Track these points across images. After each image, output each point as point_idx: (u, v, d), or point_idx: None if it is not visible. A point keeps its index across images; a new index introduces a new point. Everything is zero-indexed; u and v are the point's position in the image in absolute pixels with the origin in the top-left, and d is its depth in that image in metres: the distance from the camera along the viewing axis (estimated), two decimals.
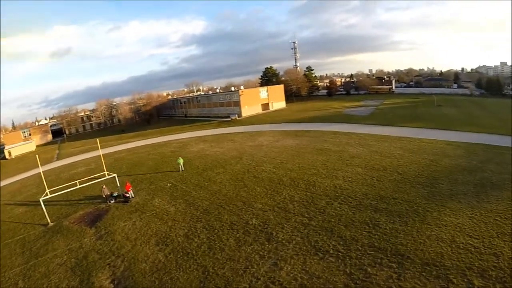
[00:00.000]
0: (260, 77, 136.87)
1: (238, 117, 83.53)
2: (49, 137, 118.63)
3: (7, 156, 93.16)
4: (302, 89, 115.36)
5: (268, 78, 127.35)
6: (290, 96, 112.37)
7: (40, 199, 30.30)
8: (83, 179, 35.32)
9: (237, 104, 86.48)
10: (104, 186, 32.70)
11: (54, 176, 50.87)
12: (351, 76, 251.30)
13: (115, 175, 33.19)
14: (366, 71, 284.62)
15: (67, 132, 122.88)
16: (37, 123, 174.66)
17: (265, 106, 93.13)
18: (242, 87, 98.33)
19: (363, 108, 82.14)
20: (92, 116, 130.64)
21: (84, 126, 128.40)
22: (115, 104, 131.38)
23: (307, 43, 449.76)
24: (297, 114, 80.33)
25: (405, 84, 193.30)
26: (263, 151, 42.69)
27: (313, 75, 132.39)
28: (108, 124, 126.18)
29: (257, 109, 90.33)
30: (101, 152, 36.49)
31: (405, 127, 51.20)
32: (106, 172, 33.21)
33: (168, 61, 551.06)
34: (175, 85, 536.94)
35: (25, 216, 31.81)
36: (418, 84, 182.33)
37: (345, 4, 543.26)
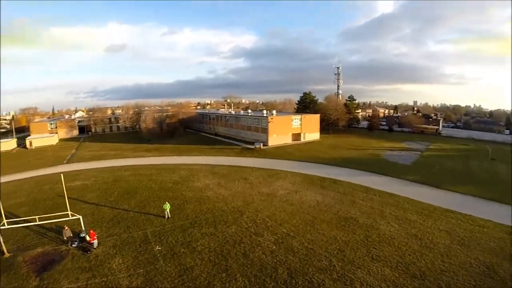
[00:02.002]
0: (297, 102, 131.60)
1: (264, 145, 78.14)
2: (75, 132, 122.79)
3: (27, 146, 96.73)
4: (341, 120, 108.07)
5: (306, 104, 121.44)
6: (327, 125, 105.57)
7: None
8: (45, 215, 32.20)
9: (265, 131, 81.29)
10: (66, 228, 29.33)
11: (49, 185, 48.76)
12: (395, 108, 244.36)
13: (80, 217, 29.45)
14: (411, 103, 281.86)
15: (92, 130, 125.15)
16: (74, 114, 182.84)
17: (296, 136, 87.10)
18: (274, 112, 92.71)
19: (405, 153, 73.31)
20: (119, 118, 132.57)
21: (111, 127, 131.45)
22: (145, 109, 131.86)
23: (354, 67, 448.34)
24: (329, 151, 73.43)
25: (452, 124, 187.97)
26: (273, 207, 36.52)
27: (355, 106, 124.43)
28: (135, 129, 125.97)
29: (287, 139, 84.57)
30: (66, 193, 31.88)
31: (455, 192, 43.05)
32: (70, 213, 29.60)
33: (215, 70, 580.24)
34: (219, 94, 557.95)
35: None
36: (466, 125, 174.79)
37: (396, 32, 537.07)
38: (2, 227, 27.84)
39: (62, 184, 30.53)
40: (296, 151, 73.24)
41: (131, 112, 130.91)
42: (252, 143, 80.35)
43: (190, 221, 32.54)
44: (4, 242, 28.00)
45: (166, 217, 33.42)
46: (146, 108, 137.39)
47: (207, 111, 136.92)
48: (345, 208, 36.34)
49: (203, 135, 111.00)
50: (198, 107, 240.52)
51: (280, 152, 71.93)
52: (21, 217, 35.34)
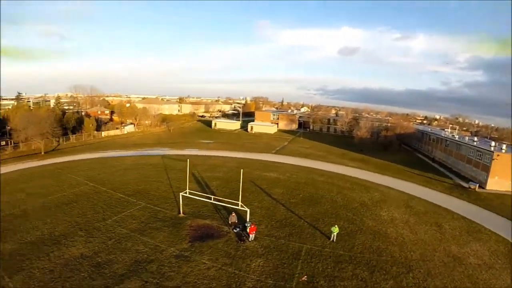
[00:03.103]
0: None
1: (479, 187, 61.46)
2: (294, 126, 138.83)
3: (248, 130, 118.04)
4: None
5: None
6: None
7: (180, 194, 35.78)
8: (219, 197, 37.77)
9: (486, 169, 63.14)
10: (233, 214, 33.11)
11: (248, 169, 55.29)
12: None
13: (248, 210, 32.44)
14: None
15: (310, 127, 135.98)
16: (300, 108, 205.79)
17: None
18: (504, 146, 69.72)
19: None
20: (337, 121, 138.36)
21: (328, 128, 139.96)
22: (364, 116, 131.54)
23: None
24: None
25: None
26: (449, 278, 26.94)
27: None
28: (350, 134, 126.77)
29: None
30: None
31: None
32: (240, 203, 32.82)
33: (450, 82, 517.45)
34: (450, 109, 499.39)
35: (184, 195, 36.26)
36: None
37: None
38: (183, 194, 35.28)
39: (240, 179, 34.19)
40: None
41: (349, 117, 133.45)
42: (467, 181, 65.63)
43: (351, 255, 29.33)
44: (185, 205, 35.68)
45: (331, 240, 31.72)
46: (366, 115, 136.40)
47: (429, 129, 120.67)
48: None
49: (418, 156, 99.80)
50: (425, 122, 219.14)
51: (497, 202, 53.21)
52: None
